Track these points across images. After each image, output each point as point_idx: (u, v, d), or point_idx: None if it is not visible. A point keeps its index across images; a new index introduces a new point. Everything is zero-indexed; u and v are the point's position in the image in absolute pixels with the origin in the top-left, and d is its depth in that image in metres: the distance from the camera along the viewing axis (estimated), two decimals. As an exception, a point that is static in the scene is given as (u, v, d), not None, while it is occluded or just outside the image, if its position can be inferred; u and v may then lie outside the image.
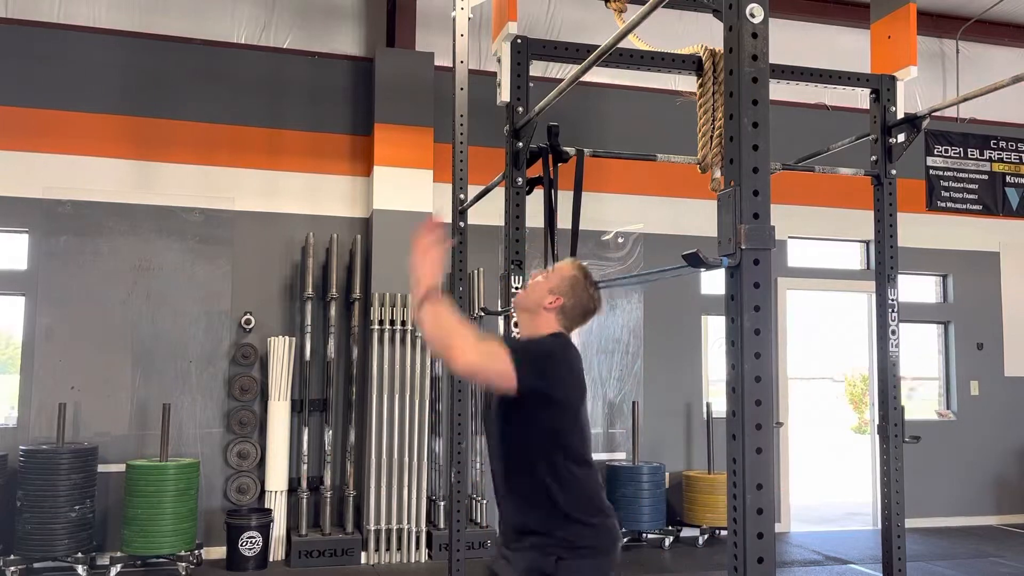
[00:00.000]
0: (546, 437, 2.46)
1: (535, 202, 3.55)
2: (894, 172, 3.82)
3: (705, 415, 7.39)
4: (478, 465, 6.80)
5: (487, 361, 2.36)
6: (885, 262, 3.78)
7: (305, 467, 6.47)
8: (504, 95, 3.53)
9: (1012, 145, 8.67)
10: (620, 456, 7.32)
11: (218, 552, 6.25)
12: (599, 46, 3.01)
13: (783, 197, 6.94)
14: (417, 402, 6.51)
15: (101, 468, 6.04)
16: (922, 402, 9.88)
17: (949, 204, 8.45)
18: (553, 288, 2.63)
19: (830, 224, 8.02)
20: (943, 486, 8.04)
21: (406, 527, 6.40)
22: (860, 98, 7.74)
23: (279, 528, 6.36)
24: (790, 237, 7.95)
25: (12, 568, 5.62)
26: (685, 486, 7.22)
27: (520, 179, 3.56)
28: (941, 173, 8.46)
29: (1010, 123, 8.68)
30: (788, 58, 4.18)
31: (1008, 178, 8.65)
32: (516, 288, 3.55)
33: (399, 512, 6.39)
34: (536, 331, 2.61)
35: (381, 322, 6.50)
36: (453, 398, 4.35)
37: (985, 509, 8.22)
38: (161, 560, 5.95)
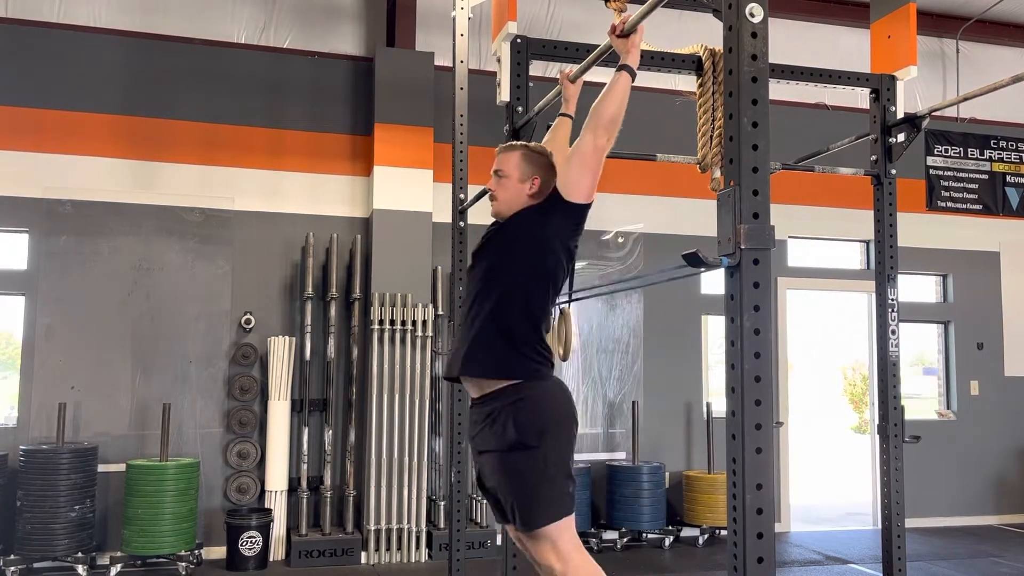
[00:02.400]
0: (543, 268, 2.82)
1: (535, 202, 3.54)
2: (894, 172, 3.82)
3: (705, 415, 7.39)
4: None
5: (601, 162, 2.75)
6: (885, 262, 3.78)
7: (305, 467, 6.47)
8: (504, 95, 3.54)
9: (1012, 145, 8.67)
10: (620, 456, 7.32)
11: (218, 552, 6.25)
12: (599, 46, 3.01)
13: (783, 197, 6.95)
14: (417, 402, 6.51)
15: (101, 468, 6.04)
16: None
17: (949, 204, 8.45)
18: (522, 177, 2.89)
19: (830, 224, 8.02)
20: (943, 486, 8.04)
21: (406, 527, 6.40)
22: (860, 98, 7.74)
23: (279, 528, 6.36)
24: (790, 237, 7.95)
25: (12, 568, 5.62)
26: (685, 486, 7.22)
27: (520, 179, 3.55)
28: (941, 173, 8.46)
29: (1010, 123, 8.68)
30: (788, 58, 4.18)
31: (1008, 178, 8.64)
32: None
33: (399, 512, 6.39)
34: None
35: (381, 322, 6.50)
36: (453, 398, 4.35)
37: (985, 509, 8.22)
38: (161, 560, 5.95)
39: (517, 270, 2.80)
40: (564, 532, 2.69)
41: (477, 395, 2.84)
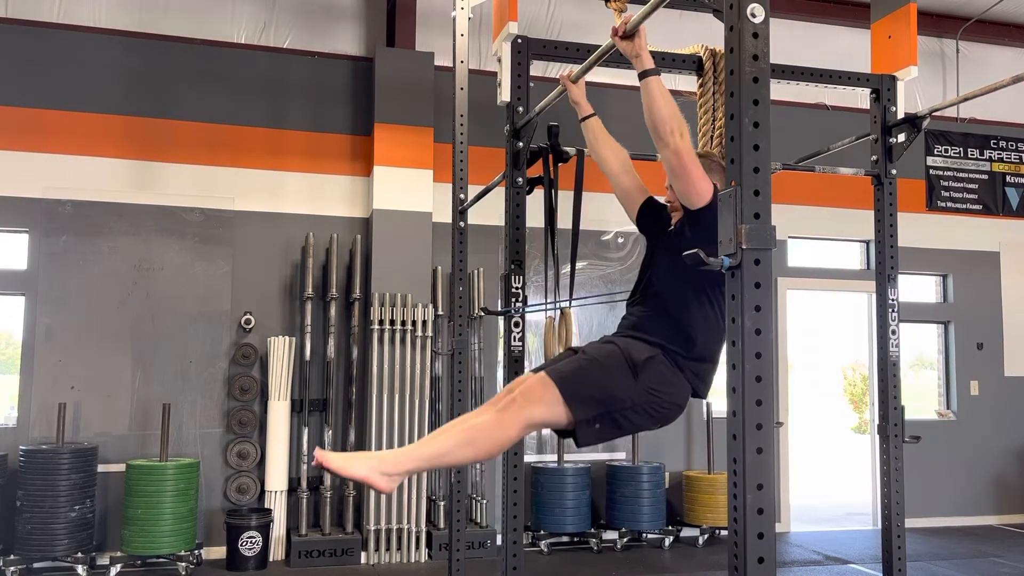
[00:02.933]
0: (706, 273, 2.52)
1: (535, 202, 3.55)
2: (894, 172, 3.82)
3: (705, 415, 7.39)
4: (478, 465, 6.80)
5: (694, 158, 2.63)
6: (885, 262, 3.78)
7: (305, 467, 6.47)
8: (504, 95, 3.53)
9: (1012, 145, 8.67)
10: (620, 456, 7.32)
11: (218, 552, 6.25)
12: (599, 46, 3.01)
13: (783, 197, 6.94)
14: (417, 402, 6.51)
15: (101, 468, 6.04)
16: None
17: (949, 204, 8.45)
18: (703, 179, 2.69)
19: (830, 224, 8.02)
20: (943, 486, 8.04)
21: (406, 527, 6.40)
22: (860, 98, 7.74)
23: (279, 528, 6.36)
24: (790, 237, 7.95)
25: (12, 568, 5.62)
26: (685, 486, 7.22)
27: (520, 179, 3.56)
28: (941, 173, 8.46)
29: (1010, 123, 8.68)
30: (788, 58, 4.18)
31: (1008, 178, 8.65)
32: (516, 289, 3.54)
33: (399, 512, 6.39)
34: None
35: (381, 322, 6.50)
36: (453, 398, 4.35)
37: (985, 509, 8.22)
38: (161, 560, 5.95)
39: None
40: (550, 406, 2.54)
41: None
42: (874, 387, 7.90)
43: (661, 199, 3.04)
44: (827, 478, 11.99)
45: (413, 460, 2.48)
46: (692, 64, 3.68)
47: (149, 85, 6.63)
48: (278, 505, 6.37)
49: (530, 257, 3.87)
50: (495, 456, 2.69)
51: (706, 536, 7.04)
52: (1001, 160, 8.64)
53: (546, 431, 7.18)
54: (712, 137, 3.52)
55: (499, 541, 6.41)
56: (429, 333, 6.60)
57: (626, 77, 7.37)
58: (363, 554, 6.34)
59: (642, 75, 2.63)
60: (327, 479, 6.46)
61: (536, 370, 2.69)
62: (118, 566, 5.81)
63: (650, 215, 3.06)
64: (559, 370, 2.60)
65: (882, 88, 3.85)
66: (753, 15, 1.83)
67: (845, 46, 8.02)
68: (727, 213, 1.84)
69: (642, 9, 2.52)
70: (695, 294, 2.70)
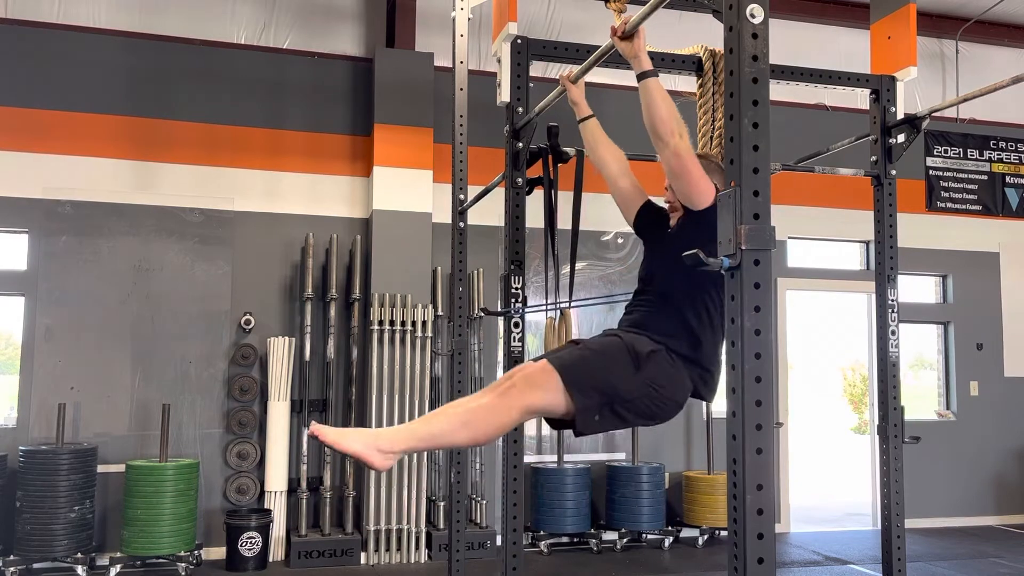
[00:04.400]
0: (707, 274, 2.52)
1: (535, 202, 3.55)
2: (894, 172, 3.82)
3: (705, 415, 7.39)
4: (478, 465, 6.81)
5: (694, 159, 2.64)
6: (885, 262, 3.78)
7: (305, 467, 6.47)
8: (504, 95, 3.53)
9: (1012, 145, 8.67)
10: (620, 456, 7.32)
11: (218, 552, 6.25)
12: (599, 46, 3.01)
13: (783, 197, 6.95)
14: (417, 402, 6.51)
15: (101, 468, 6.04)
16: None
17: (949, 204, 8.45)
18: (703, 179, 2.71)
19: (830, 224, 8.02)
20: (943, 486, 8.04)
21: (406, 527, 6.39)
22: (860, 98, 7.74)
23: (279, 528, 6.35)
24: (790, 237, 7.95)
25: (12, 568, 5.62)
26: (685, 486, 7.22)
27: (520, 179, 3.56)
28: (941, 173, 8.46)
29: (1010, 123, 8.68)
30: (788, 58, 4.18)
31: (1008, 178, 8.65)
32: (516, 289, 3.54)
33: (399, 512, 6.39)
34: None
35: (381, 322, 6.50)
36: (453, 398, 4.34)
37: (985, 509, 8.22)
38: (161, 560, 5.95)
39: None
40: (551, 393, 2.52)
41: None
42: (874, 387, 7.90)
43: (659, 201, 3.04)
44: (827, 478, 11.99)
45: (409, 439, 2.47)
46: (692, 65, 3.68)
47: (149, 85, 6.63)
48: (278, 505, 6.37)
49: (530, 257, 3.87)
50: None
51: (706, 537, 7.04)
52: (1001, 160, 8.64)
53: (546, 431, 7.19)
54: (712, 138, 3.52)
55: (499, 541, 6.41)
56: (429, 333, 6.60)
57: (625, 78, 7.36)
58: (363, 554, 6.33)
59: (641, 76, 2.63)
60: (327, 479, 6.46)
61: (537, 359, 2.68)
62: (118, 566, 5.81)
63: (648, 217, 3.06)
64: (561, 358, 2.59)
65: (882, 89, 3.85)
66: (752, 16, 1.83)
67: (845, 47, 8.03)
68: (726, 214, 1.84)
69: (642, 9, 2.52)
70: (699, 295, 2.70)
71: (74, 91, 6.47)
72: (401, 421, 6.47)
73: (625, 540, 6.87)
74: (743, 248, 1.78)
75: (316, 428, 2.39)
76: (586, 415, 2.56)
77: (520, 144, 3.52)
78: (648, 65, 2.64)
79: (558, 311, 3.34)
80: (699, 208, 2.68)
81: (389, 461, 2.43)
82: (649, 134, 2.66)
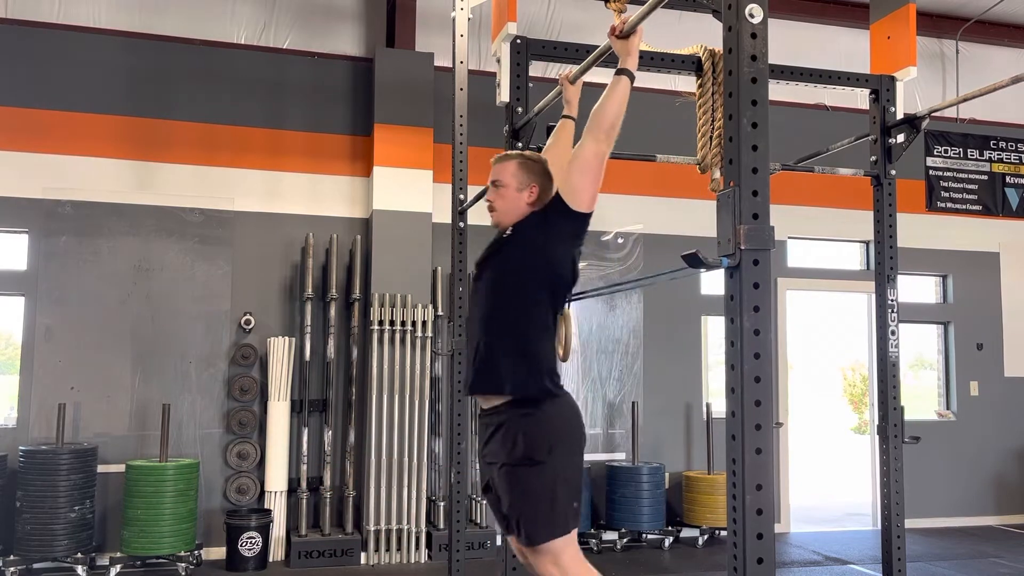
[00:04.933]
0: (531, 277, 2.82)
1: (535, 202, 3.54)
2: (894, 172, 3.82)
3: (705, 415, 7.39)
4: (478, 465, 6.80)
5: (603, 167, 2.74)
6: (885, 262, 3.78)
7: (305, 467, 6.47)
8: (504, 95, 3.54)
9: (1012, 145, 8.67)
10: (620, 456, 7.32)
11: (218, 552, 6.25)
12: (599, 46, 3.01)
13: (783, 197, 6.95)
14: (417, 402, 6.51)
15: (101, 468, 6.04)
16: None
17: (949, 204, 8.45)
18: (520, 186, 2.90)
19: (830, 224, 8.02)
20: (943, 486, 8.04)
21: (406, 527, 6.39)
22: (860, 98, 7.74)
23: (279, 528, 6.35)
24: (790, 237, 7.95)
25: (12, 568, 5.62)
26: (685, 486, 7.22)
27: (520, 179, 3.55)
28: (941, 173, 8.46)
29: (1010, 123, 8.68)
30: (788, 58, 4.18)
31: (1008, 178, 8.64)
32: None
33: (399, 512, 6.39)
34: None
35: (381, 322, 6.50)
36: (453, 398, 4.35)
37: (985, 509, 8.22)
38: (161, 560, 5.95)
39: (521, 283, 2.79)
40: (567, 547, 2.69)
41: (487, 406, 2.85)
42: (874, 387, 7.90)
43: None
44: (827, 478, 11.99)
45: None
46: (691, 64, 3.68)
47: (149, 85, 6.63)
48: (278, 505, 6.37)
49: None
50: None
51: (706, 536, 7.04)
52: (1001, 160, 8.63)
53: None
54: (711, 138, 3.52)
55: (499, 541, 6.41)
56: (429, 333, 6.60)
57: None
58: (363, 554, 6.33)
59: (620, 71, 2.69)
60: (327, 479, 6.46)
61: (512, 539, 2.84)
62: (118, 567, 5.81)
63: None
64: (521, 535, 2.72)
65: (881, 89, 3.85)
66: (751, 15, 1.83)
67: (845, 47, 8.03)
68: (726, 213, 1.84)
69: (641, 9, 2.52)
70: (522, 307, 2.80)
71: (74, 91, 6.47)
72: (401, 421, 6.47)
73: (625, 540, 6.87)
74: (742, 248, 1.79)
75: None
76: (571, 516, 2.73)
77: (520, 144, 3.52)
78: (632, 66, 2.70)
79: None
80: (575, 207, 2.76)
81: None
82: (590, 120, 2.72)
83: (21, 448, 5.82)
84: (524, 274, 2.80)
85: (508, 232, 2.89)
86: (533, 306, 2.79)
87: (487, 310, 2.84)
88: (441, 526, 6.50)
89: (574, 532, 2.74)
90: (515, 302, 2.79)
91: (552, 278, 2.81)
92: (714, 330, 7.75)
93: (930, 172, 8.42)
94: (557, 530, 2.67)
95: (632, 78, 2.69)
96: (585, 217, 2.79)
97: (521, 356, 2.75)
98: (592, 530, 6.87)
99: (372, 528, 6.34)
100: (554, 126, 3.44)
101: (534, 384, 2.73)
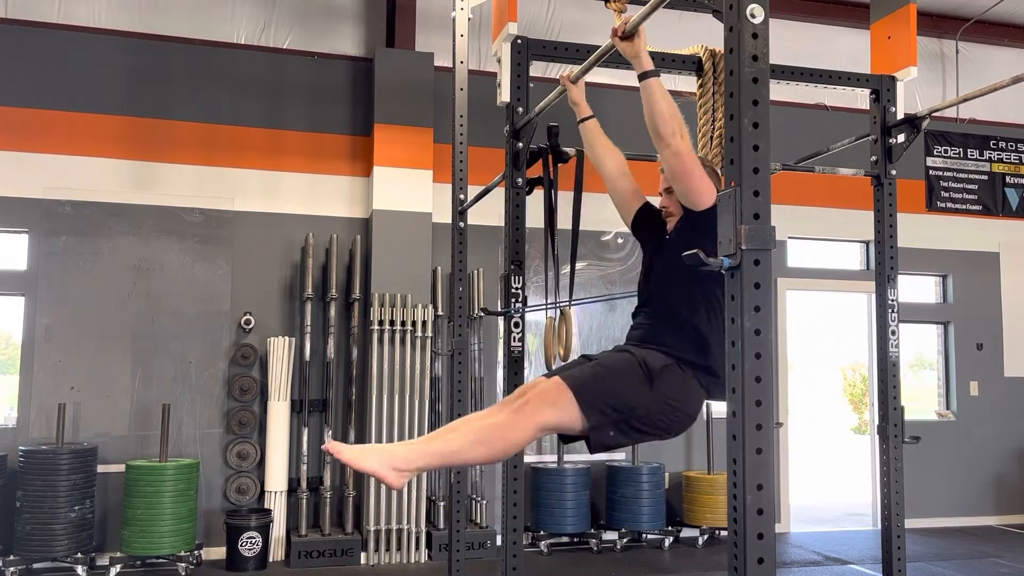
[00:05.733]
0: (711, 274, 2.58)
1: (535, 202, 3.55)
2: (894, 172, 3.82)
3: (705, 415, 7.39)
4: (478, 466, 6.80)
5: (695, 159, 2.62)
6: (885, 262, 3.78)
7: (305, 467, 6.47)
8: (504, 95, 3.53)
9: (1012, 145, 8.67)
10: (620, 456, 7.32)
11: (218, 552, 6.25)
12: (599, 46, 3.01)
13: (783, 197, 6.95)
14: (417, 402, 6.51)
15: (101, 468, 6.04)
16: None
17: (949, 204, 8.45)
18: (704, 179, 2.71)
19: (830, 224, 8.02)
20: (943, 486, 8.04)
21: (406, 527, 6.39)
22: (860, 98, 7.74)
23: (279, 528, 6.35)
24: (790, 237, 7.95)
25: (12, 568, 5.62)
26: (685, 486, 7.22)
27: (520, 179, 3.56)
28: (941, 173, 8.46)
29: (1010, 123, 8.68)
30: (788, 58, 4.18)
31: (1008, 178, 8.65)
32: (516, 289, 3.54)
33: (399, 512, 6.39)
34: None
35: (381, 322, 6.50)
36: (453, 398, 4.35)
37: (985, 509, 8.22)
38: (161, 560, 5.95)
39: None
40: (565, 410, 2.53)
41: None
42: (874, 387, 7.90)
43: (657, 203, 3.03)
44: (827, 478, 11.99)
45: (424, 456, 2.47)
46: (692, 65, 3.68)
47: (149, 85, 6.63)
48: (278, 505, 6.37)
49: (530, 257, 3.86)
50: (508, 457, 2.68)
51: (706, 536, 7.04)
52: (1001, 160, 8.64)
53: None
54: (712, 138, 3.52)
55: (499, 541, 6.41)
56: (429, 333, 6.60)
57: (626, 78, 7.37)
58: (363, 554, 6.33)
59: (642, 76, 2.63)
60: (327, 479, 6.46)
61: (549, 375, 2.68)
62: (118, 566, 5.81)
63: (647, 220, 3.05)
64: (574, 376, 2.60)
65: (882, 89, 3.85)
66: (752, 15, 1.83)
67: (845, 46, 8.02)
68: (726, 214, 1.84)
69: (642, 9, 2.51)
70: (703, 298, 2.69)
71: (74, 91, 6.47)
72: (401, 421, 6.47)
73: (625, 540, 6.87)
74: (743, 248, 1.78)
75: (332, 446, 2.40)
76: (601, 432, 2.57)
77: (520, 144, 3.52)
78: (649, 65, 2.63)
79: (558, 311, 3.34)
80: (699, 208, 2.66)
81: (404, 479, 2.44)
82: (650, 133, 2.65)
83: (21, 448, 5.83)
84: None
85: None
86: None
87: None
88: (441, 526, 6.50)
89: (578, 414, 2.55)
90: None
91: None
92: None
93: (930, 172, 8.42)
94: (585, 398, 2.53)
95: (657, 75, 2.64)
96: (714, 209, 2.68)
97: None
98: (592, 530, 6.87)
99: (372, 528, 6.34)
100: (555, 126, 3.44)
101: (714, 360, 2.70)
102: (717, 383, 2.71)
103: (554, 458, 7.07)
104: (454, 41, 4.36)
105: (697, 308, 2.69)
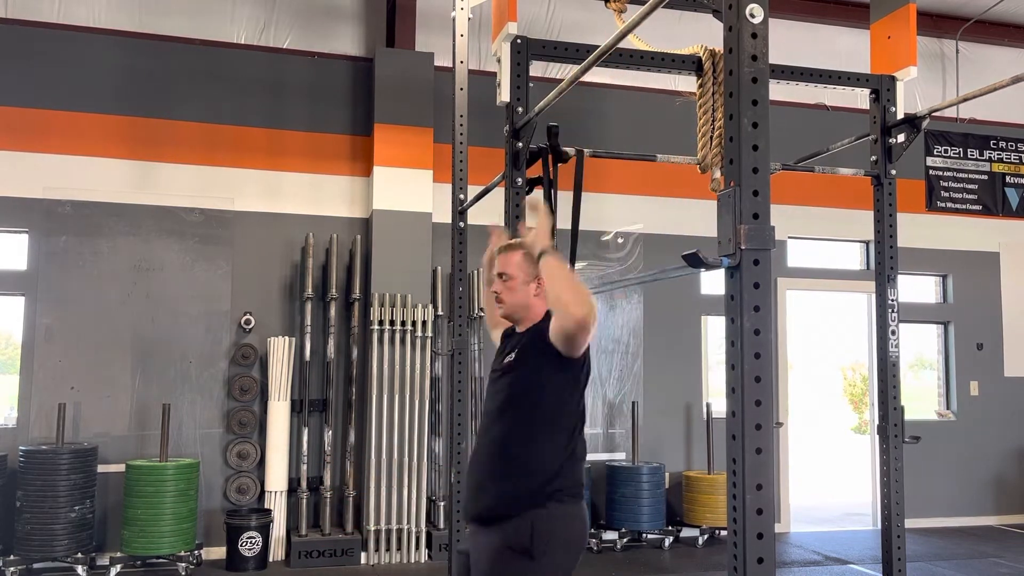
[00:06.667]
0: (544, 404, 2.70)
1: (535, 202, 3.54)
2: (894, 172, 3.82)
3: (705, 415, 7.39)
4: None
5: (592, 317, 2.60)
6: (885, 262, 3.78)
7: (305, 467, 6.47)
8: (504, 95, 3.53)
9: (1012, 145, 8.67)
10: (620, 456, 7.32)
11: (218, 552, 6.25)
12: (599, 46, 3.01)
13: (783, 197, 6.95)
14: (417, 402, 6.51)
15: (101, 468, 6.04)
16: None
17: (949, 204, 8.45)
18: (526, 279, 2.82)
19: (830, 224, 8.02)
20: (943, 486, 8.04)
21: (406, 527, 6.39)
22: (860, 98, 7.74)
23: (279, 528, 6.36)
24: (790, 237, 7.95)
25: (12, 568, 5.62)
26: (685, 486, 7.22)
27: (520, 179, 3.56)
28: (941, 173, 8.46)
29: (1010, 123, 8.68)
30: (788, 58, 4.18)
31: (1008, 178, 8.65)
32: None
33: (399, 512, 6.39)
34: (537, 316, 2.81)
35: (381, 322, 6.50)
36: (453, 398, 4.35)
37: (985, 509, 8.22)
38: (161, 560, 5.95)
39: (537, 406, 2.72)
40: None
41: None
42: (874, 387, 7.90)
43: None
44: (827, 478, 11.99)
45: None
46: (691, 64, 3.68)
47: (149, 85, 6.63)
48: (278, 505, 6.37)
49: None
50: None
51: (706, 536, 7.04)
52: (1001, 160, 8.64)
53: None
54: (712, 138, 3.52)
55: (499, 541, 6.40)
56: (429, 333, 6.60)
57: (626, 77, 7.39)
58: (363, 554, 6.34)
59: (538, 258, 2.68)
60: (327, 479, 6.46)
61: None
62: (118, 566, 5.81)
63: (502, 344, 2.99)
64: None
65: (881, 88, 3.85)
66: (752, 15, 1.83)
67: (845, 47, 8.02)
68: (726, 213, 1.84)
69: (641, 9, 2.52)
70: (540, 426, 2.68)
71: (74, 91, 6.47)
72: (401, 421, 6.47)
73: (625, 540, 6.87)
74: (743, 248, 1.79)
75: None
76: None
77: (520, 144, 3.52)
78: (543, 246, 2.68)
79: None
80: (569, 356, 2.64)
81: None
82: (552, 307, 2.64)
83: (21, 448, 5.83)
84: (538, 401, 2.74)
85: (521, 344, 2.78)
86: (547, 429, 2.76)
87: (498, 417, 2.79)
88: (441, 526, 6.50)
89: None
90: (527, 423, 2.75)
91: (564, 405, 2.77)
92: (714, 330, 7.75)
93: (930, 172, 8.42)
94: None
95: (553, 254, 2.64)
96: (585, 359, 2.71)
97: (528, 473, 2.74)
98: (592, 530, 6.87)
99: (372, 528, 6.34)
100: (555, 126, 3.44)
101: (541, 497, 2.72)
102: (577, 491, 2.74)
103: (554, 458, 7.06)
104: (454, 41, 4.37)
105: (535, 438, 2.68)
